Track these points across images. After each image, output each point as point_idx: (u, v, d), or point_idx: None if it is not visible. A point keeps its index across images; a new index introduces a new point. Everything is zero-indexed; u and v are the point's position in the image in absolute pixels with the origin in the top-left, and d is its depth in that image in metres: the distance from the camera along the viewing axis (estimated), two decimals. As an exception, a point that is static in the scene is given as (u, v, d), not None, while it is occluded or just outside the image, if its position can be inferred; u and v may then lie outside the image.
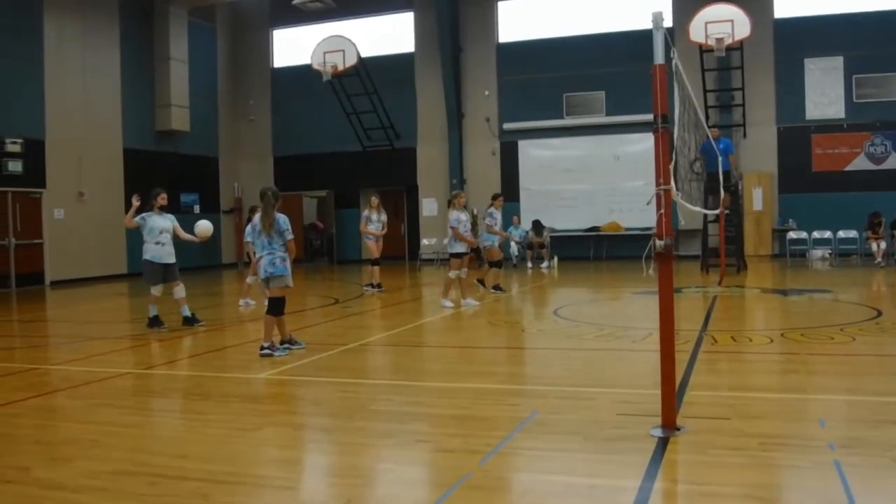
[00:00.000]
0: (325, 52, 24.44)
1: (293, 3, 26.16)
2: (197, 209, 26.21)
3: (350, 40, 24.58)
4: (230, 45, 29.25)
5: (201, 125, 26.74)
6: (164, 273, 11.43)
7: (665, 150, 5.54)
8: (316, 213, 31.13)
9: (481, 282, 15.96)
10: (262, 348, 8.91)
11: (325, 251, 29.56)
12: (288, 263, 9.09)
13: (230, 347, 10.17)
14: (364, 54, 25.45)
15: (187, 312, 11.60)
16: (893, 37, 22.97)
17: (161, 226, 11.42)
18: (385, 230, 16.93)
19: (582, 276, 20.59)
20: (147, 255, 11.40)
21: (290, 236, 9.07)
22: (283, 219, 9.06)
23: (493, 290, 15.62)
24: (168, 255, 11.48)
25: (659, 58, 5.57)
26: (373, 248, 16.61)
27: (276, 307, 9.04)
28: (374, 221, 16.62)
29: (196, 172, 26.74)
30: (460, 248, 13.62)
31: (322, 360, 8.79)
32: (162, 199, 11.60)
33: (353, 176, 27.97)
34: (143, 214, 11.41)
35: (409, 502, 4.45)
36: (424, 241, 26.34)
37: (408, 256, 27.79)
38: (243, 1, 28.41)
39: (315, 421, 6.42)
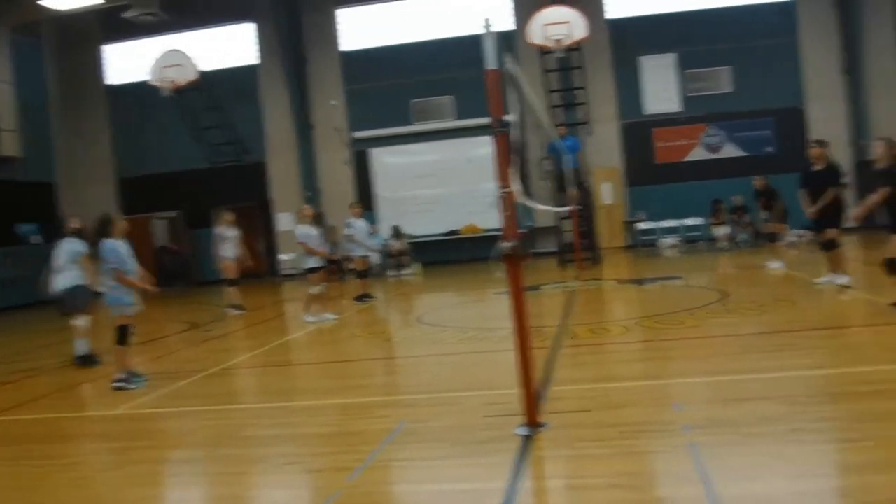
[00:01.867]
0: (162, 67, 23.75)
1: (123, 15, 25.24)
2: (37, 239, 24.85)
3: (187, 54, 23.96)
4: (60, 62, 27.90)
5: (36, 149, 25.41)
6: None
7: (504, 153, 5.64)
8: (168, 236, 30.24)
9: (361, 298, 15.78)
10: (115, 381, 8.58)
11: (181, 274, 28.73)
12: (120, 292, 8.75)
13: (85, 384, 9.71)
14: (206, 68, 24.89)
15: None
16: (720, 33, 24.37)
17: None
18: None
19: (445, 281, 20.75)
20: (81, 281, 10.68)
21: (113, 265, 8.71)
22: (107, 246, 8.71)
23: (356, 301, 15.55)
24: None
25: (491, 63, 5.67)
26: (230, 267, 15.76)
27: (119, 337, 8.73)
28: (230, 238, 15.71)
29: (33, 200, 25.46)
30: (314, 262, 13.21)
31: (183, 389, 8.51)
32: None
33: (203, 194, 27.20)
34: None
35: (280, 527, 4.37)
36: (283, 257, 26.00)
37: (268, 273, 27.38)
38: (70, 15, 27.04)
39: (178, 454, 6.21)
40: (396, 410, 6.66)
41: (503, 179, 5.59)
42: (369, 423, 6.28)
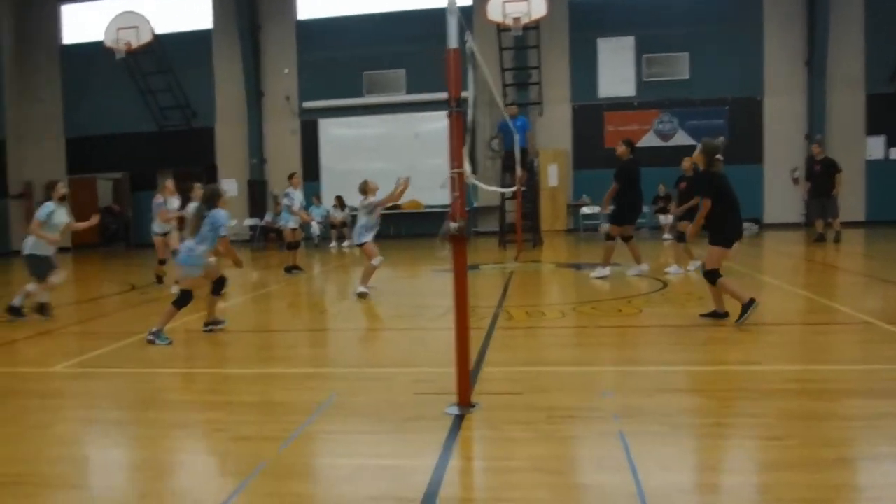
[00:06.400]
0: (118, 29, 23.37)
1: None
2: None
3: (144, 16, 23.58)
4: (14, 21, 27.36)
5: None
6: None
7: (459, 134, 5.63)
8: (112, 196, 29.82)
9: (290, 269, 15.65)
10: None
11: (122, 235, 28.35)
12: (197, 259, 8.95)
13: (20, 340, 9.53)
14: (159, 31, 24.53)
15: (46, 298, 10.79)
16: (680, 18, 24.45)
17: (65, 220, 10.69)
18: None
19: (384, 254, 20.45)
20: (38, 251, 10.50)
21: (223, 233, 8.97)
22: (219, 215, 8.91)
23: (286, 273, 15.45)
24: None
25: (453, 42, 5.64)
26: (160, 245, 13.95)
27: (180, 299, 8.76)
28: (172, 209, 13.85)
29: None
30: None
31: (117, 351, 8.42)
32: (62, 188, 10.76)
33: (149, 157, 26.92)
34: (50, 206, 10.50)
35: (205, 493, 4.34)
36: (226, 222, 25.72)
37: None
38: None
39: (108, 415, 6.12)
40: (326, 383, 6.67)
41: (456, 159, 5.59)
42: (299, 394, 6.29)
